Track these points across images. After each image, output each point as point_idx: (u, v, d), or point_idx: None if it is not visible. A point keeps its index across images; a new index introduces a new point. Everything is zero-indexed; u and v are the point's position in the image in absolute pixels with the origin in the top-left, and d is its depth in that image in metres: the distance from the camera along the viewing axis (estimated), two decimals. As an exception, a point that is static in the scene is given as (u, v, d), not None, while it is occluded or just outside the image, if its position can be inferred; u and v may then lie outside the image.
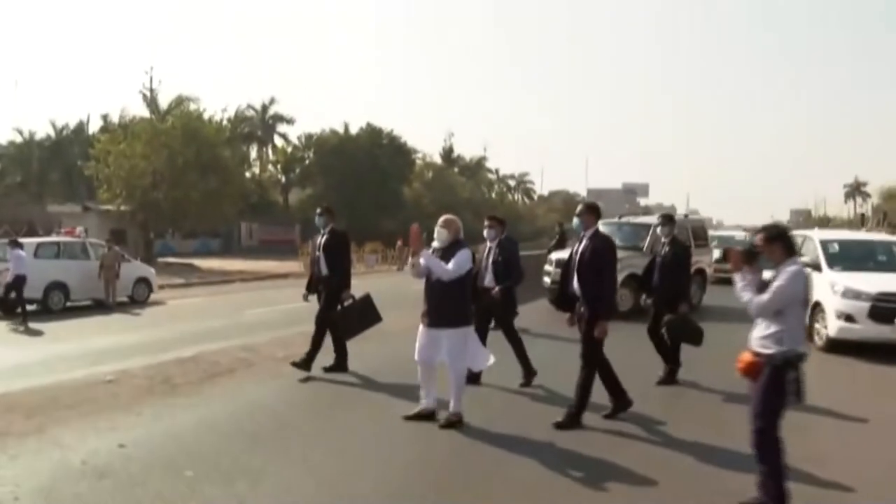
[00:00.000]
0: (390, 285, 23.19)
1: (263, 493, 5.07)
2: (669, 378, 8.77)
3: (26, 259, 15.59)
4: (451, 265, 6.49)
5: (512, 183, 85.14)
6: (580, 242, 6.96)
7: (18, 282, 15.22)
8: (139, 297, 19.39)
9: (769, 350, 4.82)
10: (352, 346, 9.21)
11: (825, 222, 76.05)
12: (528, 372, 8.50)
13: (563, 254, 17.32)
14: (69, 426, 6.61)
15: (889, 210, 54.09)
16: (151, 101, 41.82)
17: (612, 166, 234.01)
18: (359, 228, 37.35)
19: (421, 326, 6.76)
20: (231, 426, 6.74)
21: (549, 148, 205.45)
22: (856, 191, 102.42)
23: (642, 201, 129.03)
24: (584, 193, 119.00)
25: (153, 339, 12.71)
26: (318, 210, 9.36)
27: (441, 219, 6.85)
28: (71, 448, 5.95)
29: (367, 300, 8.96)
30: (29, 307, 16.95)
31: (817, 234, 13.63)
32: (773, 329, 4.82)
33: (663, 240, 9.25)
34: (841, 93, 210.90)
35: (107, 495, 4.96)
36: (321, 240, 9.12)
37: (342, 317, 8.84)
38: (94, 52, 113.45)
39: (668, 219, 9.51)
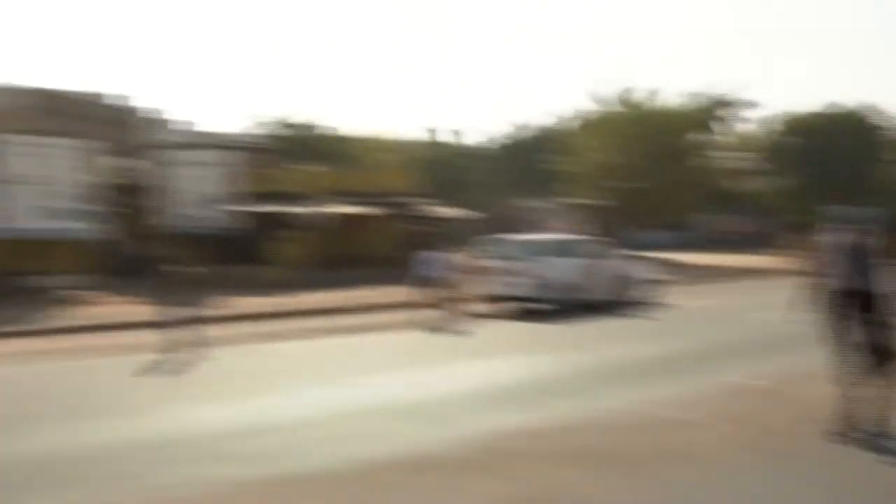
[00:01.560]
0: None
1: None
2: None
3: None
4: None
5: None
6: None
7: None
8: (647, 299, 17.73)
9: None
10: None
11: None
12: None
13: None
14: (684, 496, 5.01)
15: None
16: (621, 95, 41.62)
17: None
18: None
19: None
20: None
21: None
22: None
23: None
24: None
25: (675, 352, 11.16)
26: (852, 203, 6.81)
27: None
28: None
29: None
30: (544, 307, 16.65)
31: None
32: None
33: None
34: None
35: None
36: (851, 239, 6.62)
37: None
38: (539, 53, 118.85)
39: None
